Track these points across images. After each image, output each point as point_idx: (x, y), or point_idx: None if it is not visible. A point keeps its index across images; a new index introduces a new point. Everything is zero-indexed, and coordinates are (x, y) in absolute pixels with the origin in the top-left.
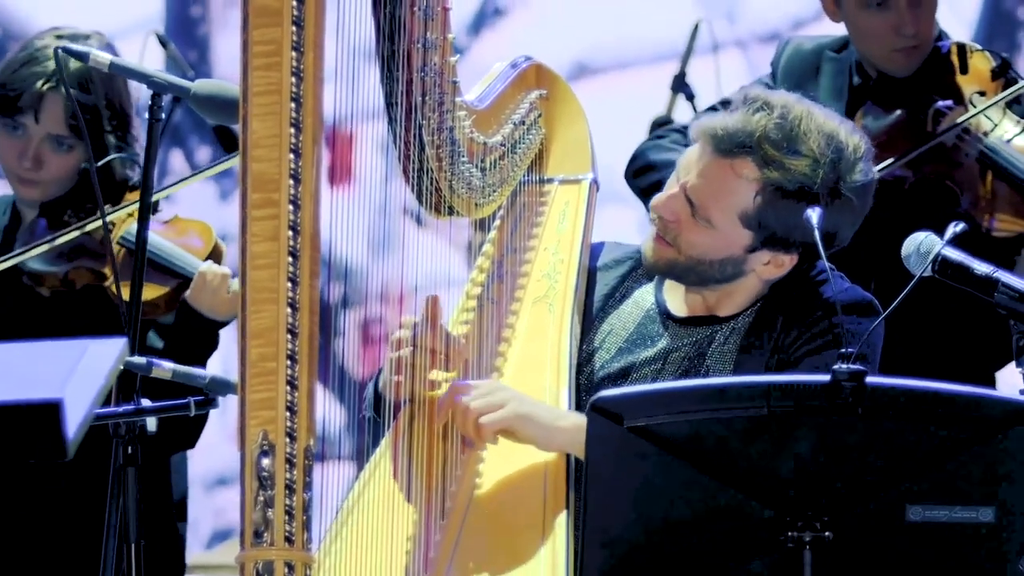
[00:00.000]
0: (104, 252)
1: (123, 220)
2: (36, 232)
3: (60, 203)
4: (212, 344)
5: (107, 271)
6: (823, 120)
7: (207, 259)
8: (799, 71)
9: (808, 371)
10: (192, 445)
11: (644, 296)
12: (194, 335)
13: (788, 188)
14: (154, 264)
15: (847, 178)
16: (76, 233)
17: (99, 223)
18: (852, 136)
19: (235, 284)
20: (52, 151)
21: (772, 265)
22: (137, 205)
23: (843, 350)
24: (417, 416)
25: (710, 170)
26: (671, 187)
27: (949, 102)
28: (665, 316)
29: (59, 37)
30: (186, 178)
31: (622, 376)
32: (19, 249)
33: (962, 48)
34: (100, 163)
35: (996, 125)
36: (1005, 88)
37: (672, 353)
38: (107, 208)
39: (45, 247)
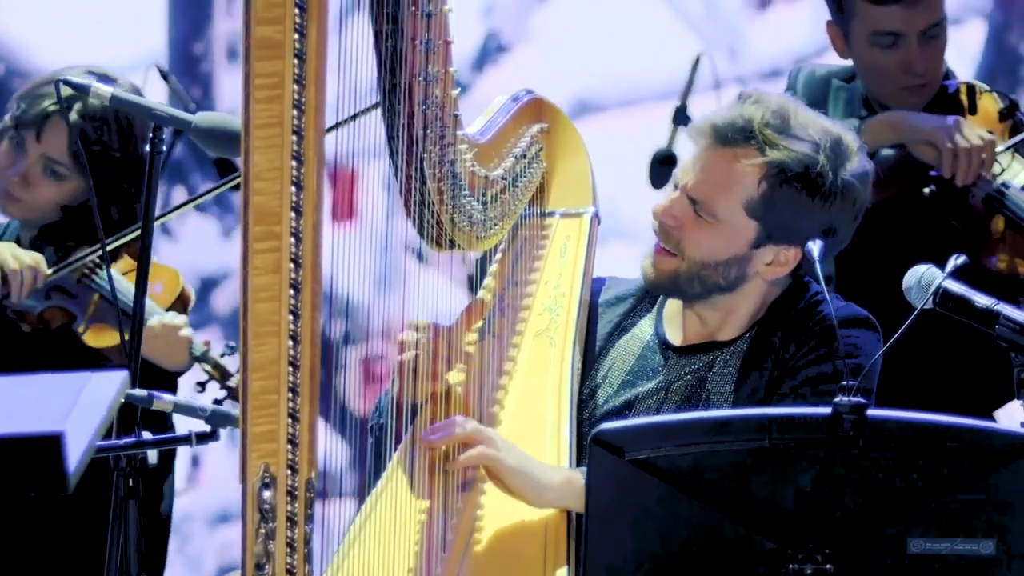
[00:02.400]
0: (77, 293)
1: (99, 266)
2: None
3: (52, 238)
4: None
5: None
6: (815, 115)
7: (170, 307)
8: (811, 97)
9: (806, 383)
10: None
11: (644, 328)
12: (149, 385)
13: (793, 169)
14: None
15: (846, 167)
16: (65, 270)
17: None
18: (845, 130)
19: (186, 332)
20: (43, 175)
21: (775, 264)
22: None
23: (844, 383)
24: (419, 448)
25: (711, 162)
26: (670, 194)
27: None
28: (664, 346)
29: (88, 72)
30: (181, 204)
31: (625, 409)
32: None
33: (971, 88)
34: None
35: (1005, 168)
36: (1012, 129)
37: (673, 383)
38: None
39: None
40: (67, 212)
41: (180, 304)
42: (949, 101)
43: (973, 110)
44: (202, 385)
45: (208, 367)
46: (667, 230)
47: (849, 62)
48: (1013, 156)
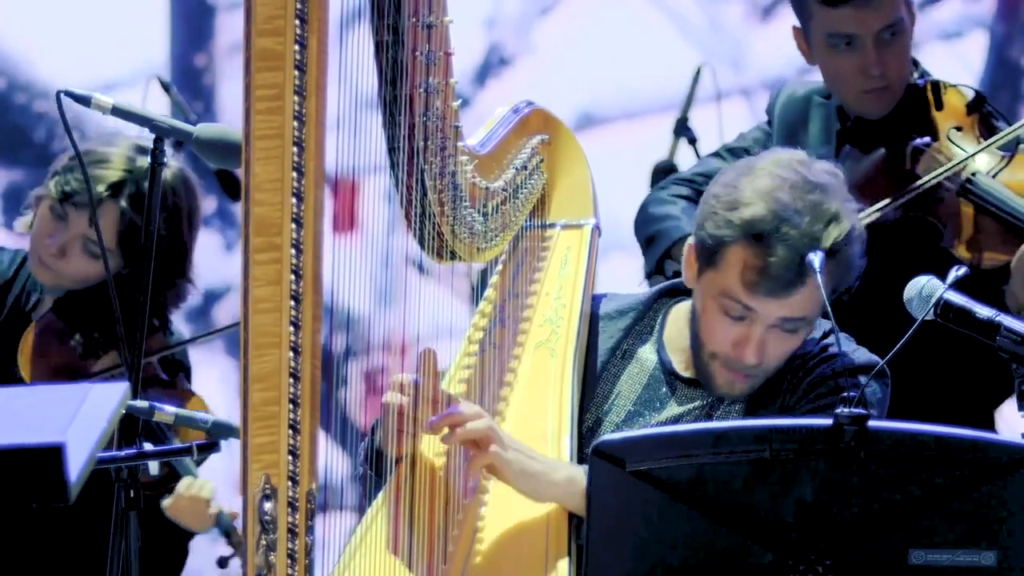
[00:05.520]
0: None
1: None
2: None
3: (78, 309)
4: (183, 555)
5: None
6: (855, 214)
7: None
8: (792, 118)
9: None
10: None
11: (647, 356)
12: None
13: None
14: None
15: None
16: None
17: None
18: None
19: (214, 508)
20: (82, 251)
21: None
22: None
23: (845, 395)
24: (419, 461)
25: (806, 296)
26: (748, 330)
27: (927, 139)
28: (671, 376)
29: (138, 148)
30: (188, 340)
31: None
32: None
33: (936, 84)
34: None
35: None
36: (981, 122)
37: (681, 416)
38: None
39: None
40: (100, 288)
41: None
42: (917, 99)
43: (940, 106)
44: (224, 562)
45: (233, 541)
46: (756, 367)
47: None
48: (977, 144)
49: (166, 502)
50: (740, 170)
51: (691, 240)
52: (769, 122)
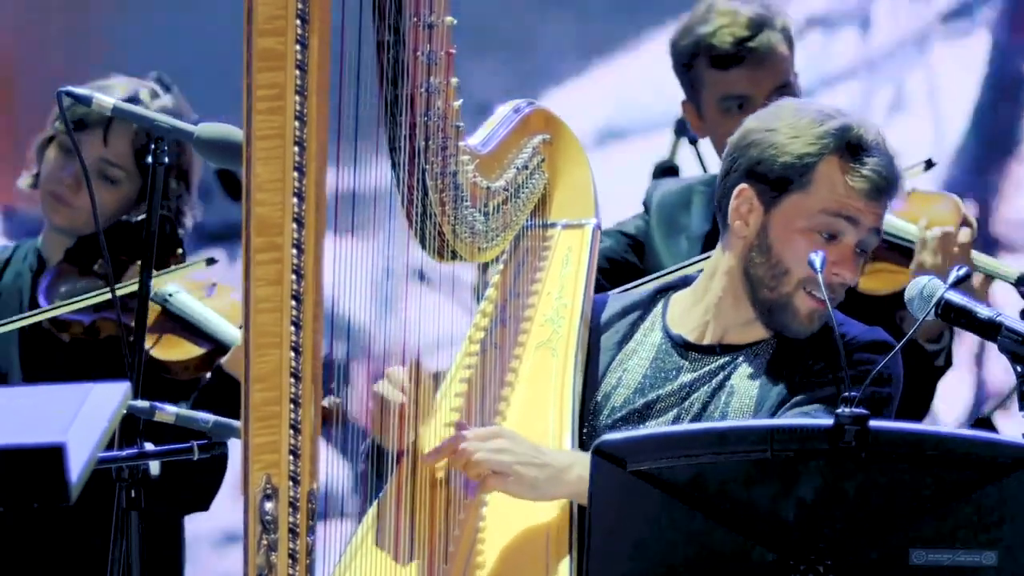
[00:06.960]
0: (133, 306)
1: (162, 280)
2: (49, 276)
3: (90, 250)
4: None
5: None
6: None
7: None
8: (672, 206)
9: (828, 400)
10: (206, 507)
11: (648, 334)
12: (226, 400)
13: None
14: (190, 327)
15: None
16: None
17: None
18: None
19: None
20: (98, 178)
21: None
22: (174, 271)
23: (846, 393)
24: (420, 460)
25: (879, 214)
26: (838, 250)
27: None
28: (683, 346)
29: (157, 80)
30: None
31: (647, 409)
32: (50, 303)
33: None
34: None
35: None
36: None
37: (697, 381)
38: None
39: (79, 304)
40: (119, 223)
41: None
42: None
43: None
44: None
45: None
46: (839, 284)
47: (705, 175)
48: None
49: (226, 358)
50: (770, 113)
51: (741, 185)
52: (647, 210)
